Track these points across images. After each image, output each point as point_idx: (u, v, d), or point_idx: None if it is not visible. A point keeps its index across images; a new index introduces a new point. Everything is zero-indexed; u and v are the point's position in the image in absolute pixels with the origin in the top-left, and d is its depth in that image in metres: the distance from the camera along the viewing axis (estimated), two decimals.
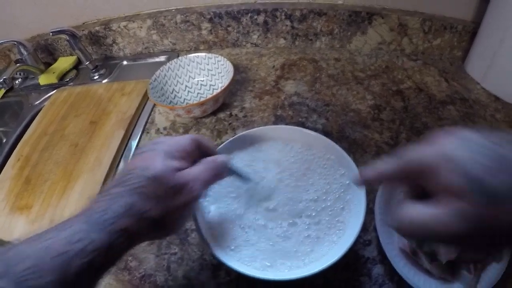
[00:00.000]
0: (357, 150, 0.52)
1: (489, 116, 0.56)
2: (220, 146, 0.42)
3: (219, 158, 0.32)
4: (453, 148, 0.20)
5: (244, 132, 0.44)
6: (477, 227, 0.19)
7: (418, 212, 0.21)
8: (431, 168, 0.21)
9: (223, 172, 0.32)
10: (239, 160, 0.43)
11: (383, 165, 0.25)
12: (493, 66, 0.58)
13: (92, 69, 0.76)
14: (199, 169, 0.30)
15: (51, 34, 0.69)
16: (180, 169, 0.29)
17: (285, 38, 0.73)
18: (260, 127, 0.44)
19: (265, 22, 0.71)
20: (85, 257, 0.23)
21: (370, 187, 0.46)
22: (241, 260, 0.35)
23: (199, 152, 0.32)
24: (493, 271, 0.37)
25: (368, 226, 0.43)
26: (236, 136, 0.43)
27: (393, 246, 0.40)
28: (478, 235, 0.19)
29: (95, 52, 0.80)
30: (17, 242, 0.24)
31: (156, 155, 0.29)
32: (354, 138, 0.54)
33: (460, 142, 0.20)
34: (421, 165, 0.21)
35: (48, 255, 0.23)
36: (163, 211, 0.27)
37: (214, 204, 0.40)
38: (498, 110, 0.57)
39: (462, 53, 0.67)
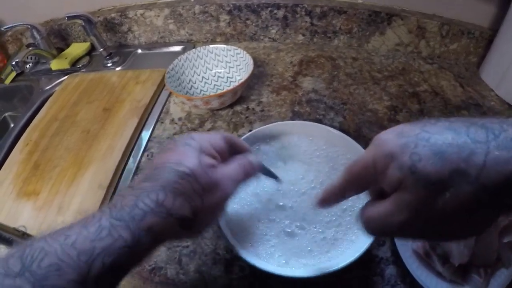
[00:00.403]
0: None
1: None
2: (244, 136, 0.42)
3: (251, 156, 0.32)
4: (390, 144, 0.20)
5: (267, 125, 0.43)
6: (419, 212, 0.20)
7: (373, 210, 0.22)
8: (375, 168, 0.21)
9: (255, 170, 0.32)
10: (263, 155, 0.43)
11: (332, 184, 0.26)
12: (508, 74, 0.58)
13: (106, 56, 0.75)
14: (232, 167, 0.29)
15: (66, 18, 0.68)
16: (213, 167, 0.28)
17: (303, 35, 0.73)
18: (284, 122, 0.45)
19: (285, 17, 0.71)
20: (110, 256, 0.22)
21: None
22: (258, 256, 0.35)
23: (230, 150, 0.32)
24: (502, 277, 0.38)
25: None
26: (259, 129, 0.43)
27: (407, 247, 0.40)
28: (422, 220, 0.20)
29: (109, 39, 0.80)
30: (34, 239, 0.23)
31: (190, 150, 0.28)
32: (370, 138, 0.53)
33: (395, 137, 0.21)
34: (367, 168, 0.22)
35: (73, 252, 0.21)
36: (194, 209, 0.26)
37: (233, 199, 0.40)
38: None
39: (478, 59, 0.67)
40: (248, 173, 0.31)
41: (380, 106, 0.59)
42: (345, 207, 0.39)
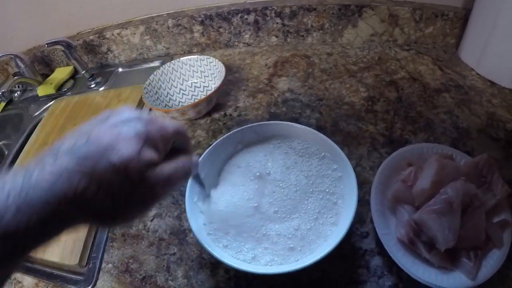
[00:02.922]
0: (351, 142, 0.52)
1: (486, 101, 0.55)
2: (211, 146, 0.43)
3: (194, 159, 0.29)
4: None
5: (235, 130, 0.44)
6: None
7: None
8: None
9: (191, 174, 0.29)
10: (232, 160, 0.43)
11: None
12: (487, 51, 0.58)
13: (89, 78, 0.77)
14: (172, 169, 0.26)
15: (46, 45, 0.70)
16: (152, 165, 0.24)
17: (276, 36, 0.74)
18: (253, 124, 0.44)
19: (256, 21, 0.72)
20: (13, 239, 0.20)
21: (365, 179, 0.46)
22: (235, 256, 0.36)
23: (174, 141, 0.28)
24: (494, 258, 0.37)
25: (365, 217, 0.43)
26: (228, 134, 0.43)
27: (391, 237, 0.39)
28: None
29: (90, 61, 0.81)
30: None
31: (133, 136, 0.23)
32: (348, 131, 0.53)
33: None
34: None
35: None
36: (116, 206, 0.23)
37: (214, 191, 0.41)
38: (494, 95, 0.56)
39: (456, 41, 0.66)
40: (187, 176, 0.28)
41: (356, 98, 0.59)
42: (317, 202, 0.39)
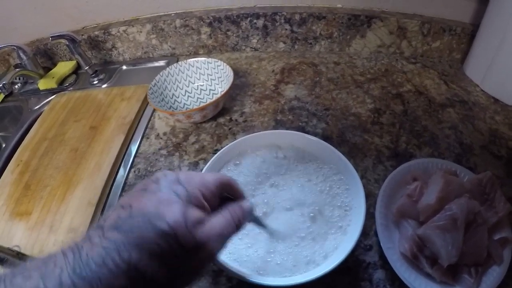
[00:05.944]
0: (357, 154, 0.52)
1: (489, 118, 0.56)
2: (219, 152, 0.42)
3: (245, 206, 0.28)
4: None
5: (244, 137, 0.44)
6: None
7: None
8: None
9: (246, 222, 0.28)
10: (243, 169, 0.43)
11: None
12: (492, 68, 0.58)
13: (92, 74, 0.76)
14: (222, 222, 0.25)
15: (50, 39, 0.69)
16: (200, 223, 0.24)
17: (284, 42, 0.74)
18: (260, 132, 0.44)
19: (265, 26, 0.71)
20: None
21: (369, 192, 0.47)
22: (242, 266, 0.35)
23: (222, 192, 0.28)
24: (494, 274, 0.38)
25: (368, 230, 0.43)
26: (239, 140, 0.43)
27: (394, 251, 0.40)
28: None
29: (94, 57, 0.80)
30: None
31: (175, 200, 0.23)
32: (354, 142, 0.54)
33: None
34: None
35: None
36: (171, 273, 0.22)
37: None
38: (497, 112, 0.57)
39: (461, 56, 0.67)
40: (241, 225, 0.27)
41: (363, 110, 0.59)
42: (325, 213, 0.39)
